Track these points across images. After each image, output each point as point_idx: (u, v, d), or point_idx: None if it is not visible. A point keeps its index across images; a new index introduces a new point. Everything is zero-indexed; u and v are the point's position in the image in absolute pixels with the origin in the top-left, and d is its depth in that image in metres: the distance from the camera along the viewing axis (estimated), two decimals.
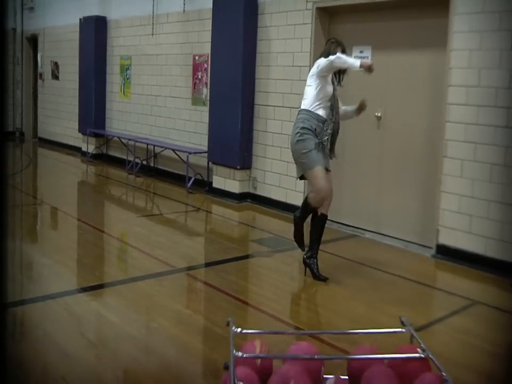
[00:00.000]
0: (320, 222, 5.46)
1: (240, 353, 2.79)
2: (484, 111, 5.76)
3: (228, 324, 3.12)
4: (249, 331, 3.22)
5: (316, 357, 2.95)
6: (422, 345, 3.10)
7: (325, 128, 5.30)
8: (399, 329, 3.35)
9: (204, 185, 9.35)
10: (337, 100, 5.45)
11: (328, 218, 7.61)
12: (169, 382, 3.46)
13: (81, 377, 3.42)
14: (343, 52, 5.41)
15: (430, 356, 3.01)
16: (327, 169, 5.34)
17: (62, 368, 3.52)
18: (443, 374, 2.86)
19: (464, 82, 5.92)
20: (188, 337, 4.04)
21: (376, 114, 7.02)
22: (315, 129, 5.31)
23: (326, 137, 5.31)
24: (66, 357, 3.66)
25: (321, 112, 5.34)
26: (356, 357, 3.15)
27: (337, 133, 5.48)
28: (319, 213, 5.43)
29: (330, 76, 5.36)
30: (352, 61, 5.19)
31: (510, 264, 5.54)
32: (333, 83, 5.41)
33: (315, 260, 5.44)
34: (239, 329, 3.05)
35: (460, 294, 5.13)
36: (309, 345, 3.13)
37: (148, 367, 3.64)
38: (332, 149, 5.43)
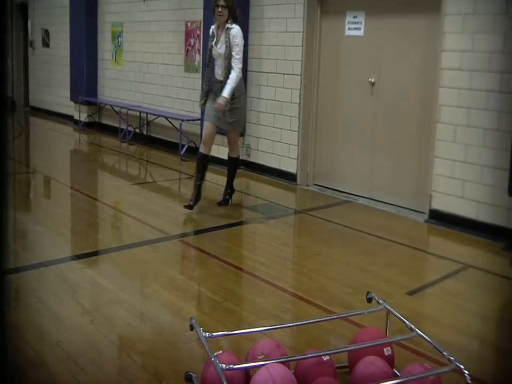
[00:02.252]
0: (228, 164, 6.91)
1: (225, 365, 2.63)
2: (477, 75, 5.73)
3: (191, 328, 2.99)
4: (219, 333, 3.13)
5: (310, 354, 2.89)
6: (409, 324, 3.11)
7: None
8: (374, 308, 3.35)
9: (197, 153, 9.30)
10: (220, 57, 6.19)
11: (322, 185, 7.70)
12: (163, 347, 3.49)
13: (75, 342, 3.44)
14: (216, 5, 6.07)
15: (422, 335, 3.03)
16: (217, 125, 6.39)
17: (56, 334, 3.54)
18: (444, 353, 2.86)
19: (457, 47, 5.88)
20: (181, 303, 4.07)
21: (369, 80, 6.98)
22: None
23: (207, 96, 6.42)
24: (61, 323, 3.69)
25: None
26: (351, 348, 3.14)
27: (219, 89, 6.14)
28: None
29: (212, 35, 6.26)
30: None
31: (502, 228, 5.58)
32: (213, 40, 6.25)
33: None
34: (207, 333, 2.90)
35: (452, 258, 5.17)
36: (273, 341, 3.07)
37: (142, 332, 3.66)
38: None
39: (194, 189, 6.37)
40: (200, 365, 2.94)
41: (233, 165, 6.80)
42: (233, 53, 6.06)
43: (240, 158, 8.64)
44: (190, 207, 6.24)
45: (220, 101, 6.02)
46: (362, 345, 3.05)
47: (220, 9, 6.06)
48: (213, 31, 6.27)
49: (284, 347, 3.03)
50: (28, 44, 15.31)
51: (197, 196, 6.33)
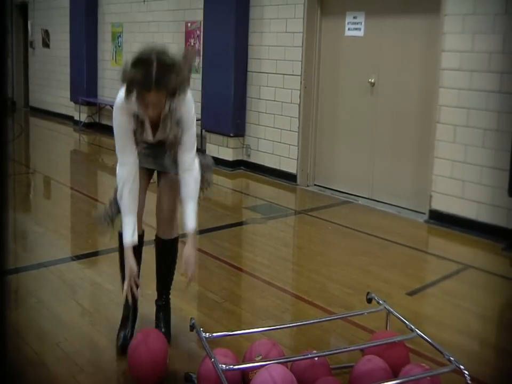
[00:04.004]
0: (157, 251, 3.60)
1: (225, 366, 2.67)
2: (477, 76, 5.73)
3: (191, 329, 3.05)
4: (219, 334, 3.14)
5: (310, 355, 2.88)
6: (409, 324, 3.12)
7: None
8: (375, 309, 3.36)
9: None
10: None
11: (322, 185, 7.70)
12: None
13: (75, 343, 3.44)
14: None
15: (422, 335, 3.03)
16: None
17: (56, 334, 3.53)
18: (444, 354, 2.88)
19: (457, 47, 5.88)
20: (182, 303, 4.06)
21: (369, 80, 6.98)
22: None
23: None
24: (61, 324, 3.69)
25: None
26: (351, 348, 3.17)
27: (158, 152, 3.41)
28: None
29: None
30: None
31: (502, 228, 5.57)
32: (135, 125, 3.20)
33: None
34: (207, 334, 2.95)
35: (452, 258, 5.17)
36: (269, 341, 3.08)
37: None
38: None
39: (125, 309, 3.49)
40: None
41: (166, 254, 3.57)
42: (183, 145, 3.27)
43: (241, 158, 8.70)
44: (126, 346, 3.25)
45: (190, 253, 3.22)
46: (363, 346, 3.05)
47: (150, 100, 2.95)
48: (134, 112, 3.12)
49: (279, 345, 3.03)
50: (27, 44, 15.30)
51: (134, 319, 3.50)
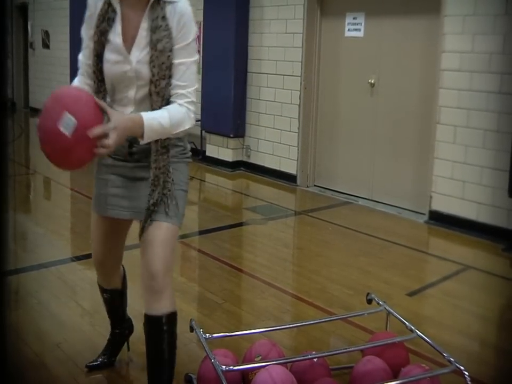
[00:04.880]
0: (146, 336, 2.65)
1: (225, 367, 2.66)
2: (477, 76, 5.73)
3: (191, 330, 3.04)
4: (219, 335, 3.14)
5: (310, 356, 2.89)
6: (409, 325, 3.12)
7: None
8: (374, 310, 3.36)
9: (197, 154, 9.32)
10: (136, 74, 2.50)
11: (322, 186, 7.70)
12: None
13: (75, 344, 3.44)
14: None
15: (422, 336, 3.04)
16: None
17: (57, 335, 3.54)
18: (444, 354, 2.88)
19: (457, 48, 5.88)
20: (182, 304, 4.06)
21: (369, 81, 6.98)
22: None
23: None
24: (61, 325, 3.69)
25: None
26: (350, 349, 3.17)
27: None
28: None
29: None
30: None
31: (502, 229, 5.58)
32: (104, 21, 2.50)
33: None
34: (207, 335, 2.95)
35: (452, 259, 5.17)
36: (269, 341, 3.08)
37: (142, 333, 3.65)
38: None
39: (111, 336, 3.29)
40: None
41: (160, 338, 2.58)
42: (176, 71, 2.52)
43: (241, 159, 8.71)
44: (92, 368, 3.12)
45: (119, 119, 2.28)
46: (363, 347, 3.06)
47: None
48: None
49: (279, 346, 3.03)
50: (28, 45, 15.30)
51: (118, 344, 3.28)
